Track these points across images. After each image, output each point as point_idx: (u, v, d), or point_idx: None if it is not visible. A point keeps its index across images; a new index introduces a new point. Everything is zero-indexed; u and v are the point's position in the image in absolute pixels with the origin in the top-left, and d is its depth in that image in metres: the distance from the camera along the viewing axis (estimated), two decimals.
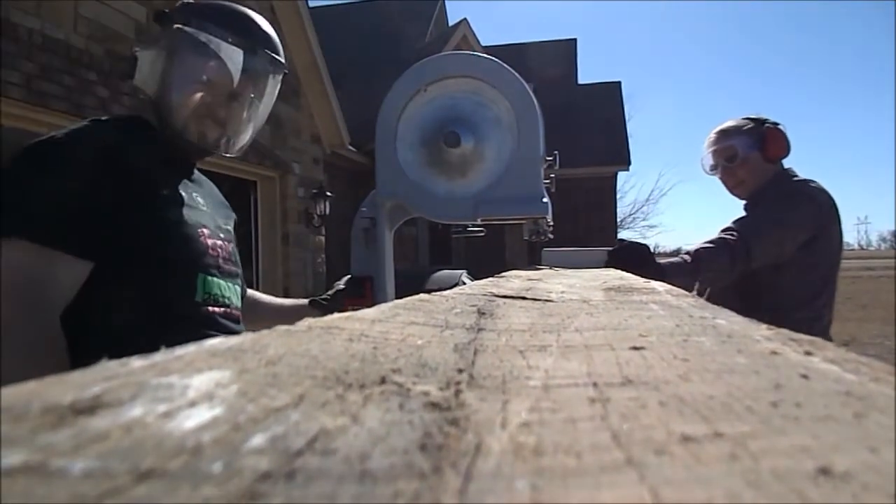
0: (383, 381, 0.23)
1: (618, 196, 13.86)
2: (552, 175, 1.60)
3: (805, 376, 0.28)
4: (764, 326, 0.46)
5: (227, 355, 0.23)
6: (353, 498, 0.14)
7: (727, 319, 0.51)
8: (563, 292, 0.67)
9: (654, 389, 0.26)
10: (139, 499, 0.12)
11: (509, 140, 1.47)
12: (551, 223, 1.66)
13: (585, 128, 12.44)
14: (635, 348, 0.35)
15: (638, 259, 1.66)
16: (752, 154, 1.97)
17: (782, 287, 1.87)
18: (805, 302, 1.89)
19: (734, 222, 1.89)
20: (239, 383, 0.20)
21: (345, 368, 0.24)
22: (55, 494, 0.12)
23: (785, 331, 0.43)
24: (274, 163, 5.99)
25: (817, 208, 1.88)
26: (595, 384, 0.26)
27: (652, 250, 1.76)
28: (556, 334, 0.39)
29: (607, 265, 1.68)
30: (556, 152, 1.55)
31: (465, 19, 11.17)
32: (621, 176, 13.10)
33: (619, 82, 15.40)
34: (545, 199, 1.46)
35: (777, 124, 2.00)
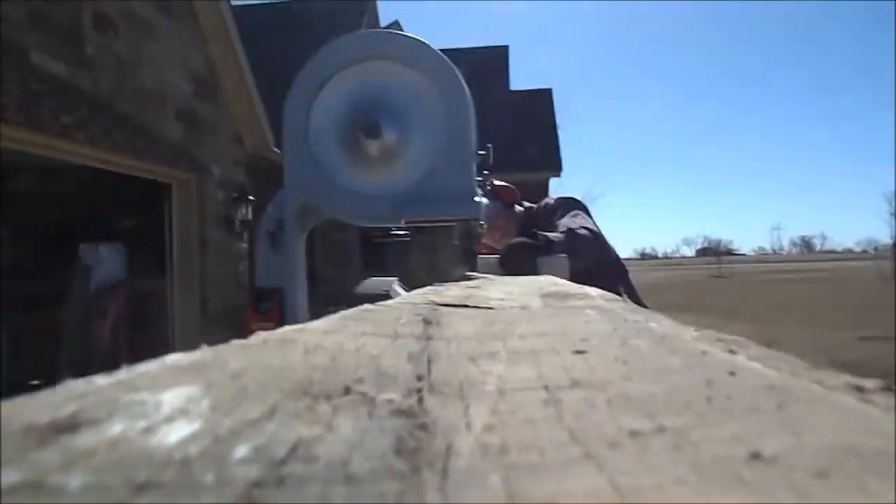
0: (348, 391, 0.24)
1: None
2: (485, 171, 1.49)
3: (732, 373, 0.31)
4: (692, 328, 0.50)
5: (190, 370, 0.24)
6: (344, 498, 0.15)
7: (658, 323, 0.55)
8: (502, 299, 0.70)
9: (600, 390, 0.28)
10: None
11: (437, 131, 1.31)
12: (485, 225, 1.55)
13: (517, 134, 12.71)
14: (578, 352, 0.38)
15: (523, 258, 1.77)
16: (494, 205, 2.18)
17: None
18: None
19: (562, 227, 2.04)
20: (209, 398, 0.21)
21: (308, 379, 0.25)
22: None
23: (711, 332, 0.47)
24: (190, 164, 5.78)
25: (580, 203, 2.19)
26: (546, 387, 0.28)
27: (536, 239, 1.87)
28: (503, 341, 0.41)
29: (503, 270, 1.73)
30: (489, 146, 1.44)
31: (396, 21, 11.20)
32: (553, 182, 13.54)
33: (550, 89, 15.85)
34: (478, 199, 1.34)
35: (492, 182, 2.25)
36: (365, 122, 1.27)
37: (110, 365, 0.24)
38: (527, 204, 2.33)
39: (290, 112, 1.35)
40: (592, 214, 2.17)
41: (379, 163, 1.32)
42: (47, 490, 0.14)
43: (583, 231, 1.90)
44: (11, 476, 0.14)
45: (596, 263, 1.90)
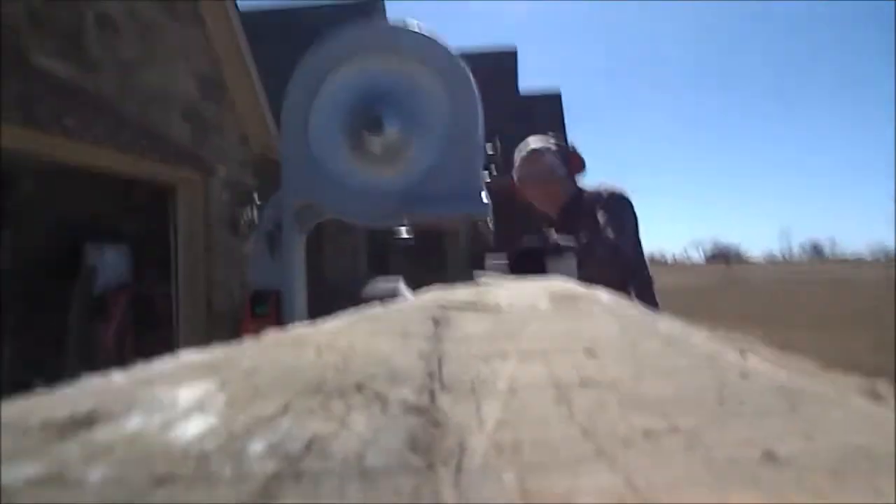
0: (360, 389, 0.25)
1: None
2: (493, 168, 1.41)
3: (744, 374, 0.31)
4: (702, 330, 0.50)
5: (204, 368, 0.24)
6: (359, 493, 0.15)
7: (668, 324, 0.55)
8: (511, 301, 0.70)
9: (611, 389, 0.28)
10: (162, 501, 0.14)
11: (443, 126, 1.27)
12: (493, 226, 1.49)
13: (526, 137, 12.67)
14: (588, 353, 0.38)
15: (532, 260, 1.74)
16: (563, 171, 2.22)
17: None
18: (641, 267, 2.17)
19: (591, 233, 2.04)
20: (224, 394, 0.21)
21: (321, 378, 0.25)
22: (83, 500, 0.13)
23: (721, 333, 0.47)
24: (195, 165, 5.81)
25: (629, 201, 2.16)
26: (557, 386, 0.29)
27: (547, 240, 1.85)
28: (513, 341, 0.41)
29: (513, 271, 1.72)
30: (496, 138, 1.45)
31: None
32: None
33: (559, 93, 15.90)
34: (485, 197, 1.27)
35: (573, 145, 2.29)
36: (367, 116, 1.23)
37: (115, 367, 0.24)
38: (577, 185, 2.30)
39: (290, 107, 1.31)
40: (637, 214, 2.14)
41: (381, 159, 1.27)
42: (68, 483, 0.14)
43: (602, 252, 1.87)
44: (33, 469, 0.14)
45: (618, 279, 1.85)
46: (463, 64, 1.28)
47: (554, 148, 2.25)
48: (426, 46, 1.28)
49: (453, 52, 1.28)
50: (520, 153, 2.29)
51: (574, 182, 2.26)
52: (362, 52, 1.29)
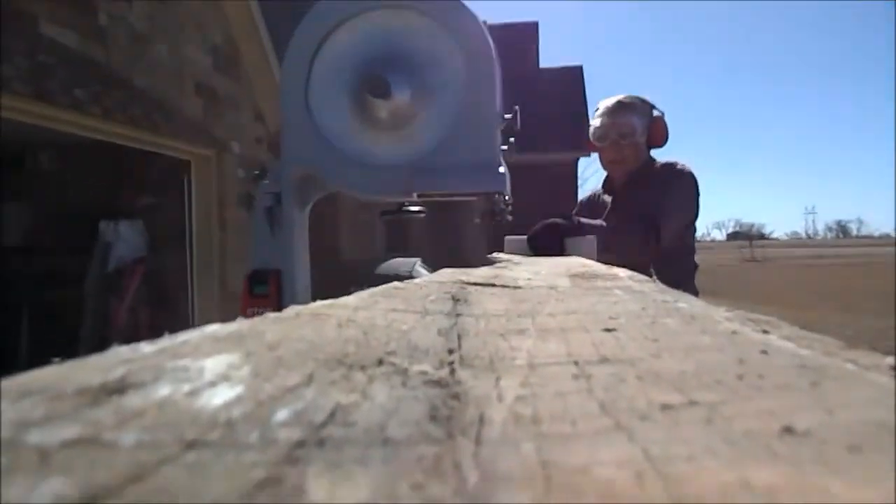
0: (381, 362, 0.25)
1: (579, 182, 14.16)
2: (511, 139, 1.29)
3: (765, 352, 0.32)
4: (723, 308, 0.50)
5: (229, 340, 0.25)
6: (381, 460, 0.16)
7: (688, 302, 0.55)
8: (529, 279, 0.71)
9: (630, 366, 0.29)
10: (192, 465, 0.15)
11: (457, 91, 1.17)
12: (510, 200, 1.40)
13: (547, 113, 12.58)
14: (607, 330, 0.39)
15: (551, 239, 1.73)
16: (642, 137, 2.11)
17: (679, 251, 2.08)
18: (687, 256, 2.14)
19: (636, 211, 1.99)
20: (249, 365, 0.22)
21: (343, 351, 0.26)
22: (117, 462, 0.14)
23: (742, 312, 0.47)
24: (209, 140, 5.83)
25: (697, 187, 2.09)
26: (576, 362, 0.29)
27: (569, 219, 1.82)
28: (531, 318, 0.42)
29: (531, 251, 1.71)
30: (516, 108, 1.25)
31: None
32: (583, 162, 13.53)
33: (581, 66, 15.71)
34: (502, 170, 1.18)
35: (662, 113, 2.16)
36: (373, 79, 1.13)
37: (130, 342, 0.25)
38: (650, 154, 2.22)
39: (289, 69, 1.21)
40: (699, 201, 2.07)
41: (389, 127, 1.18)
42: (103, 445, 0.15)
43: (626, 237, 1.84)
44: (69, 431, 0.15)
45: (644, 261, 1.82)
46: (480, 22, 1.17)
47: (640, 109, 2.13)
48: (439, 1, 1.17)
49: (468, 7, 1.17)
50: (603, 104, 2.18)
51: (648, 151, 2.16)
52: (368, 8, 1.19)
